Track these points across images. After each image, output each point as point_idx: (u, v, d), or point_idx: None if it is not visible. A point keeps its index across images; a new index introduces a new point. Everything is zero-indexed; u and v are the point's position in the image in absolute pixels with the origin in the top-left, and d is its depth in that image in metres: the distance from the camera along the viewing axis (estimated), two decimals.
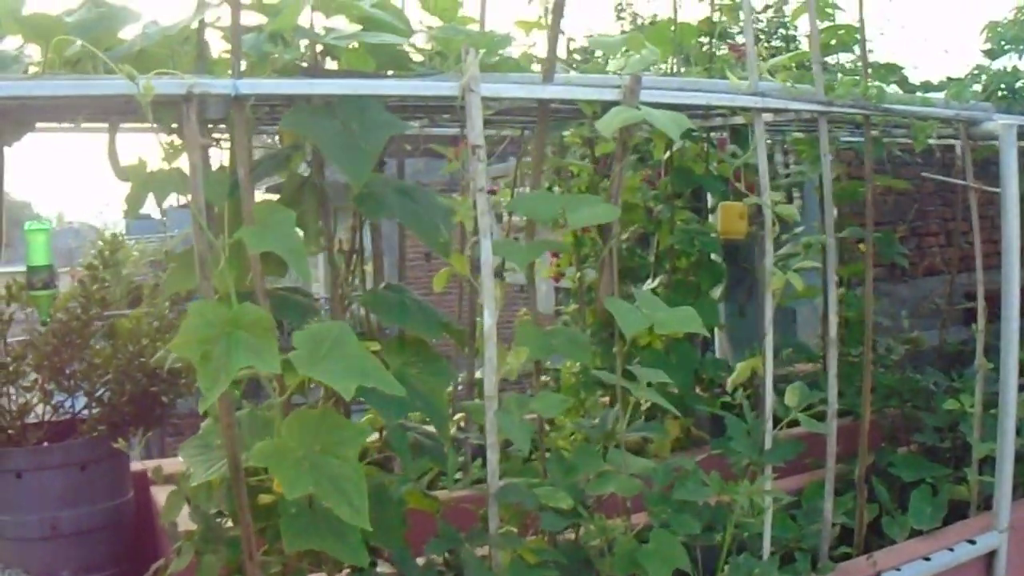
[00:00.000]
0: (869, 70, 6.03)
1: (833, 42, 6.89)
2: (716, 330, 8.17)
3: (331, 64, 4.25)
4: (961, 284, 8.92)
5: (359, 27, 4.09)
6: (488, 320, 4.21)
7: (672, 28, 6.67)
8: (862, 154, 6.29)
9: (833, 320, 5.63)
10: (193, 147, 3.61)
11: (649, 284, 7.10)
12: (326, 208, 4.34)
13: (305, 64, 4.06)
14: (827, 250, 5.65)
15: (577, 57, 8.34)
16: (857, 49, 6.35)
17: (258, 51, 3.83)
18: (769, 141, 7.21)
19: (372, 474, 4.25)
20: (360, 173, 3.78)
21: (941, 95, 6.19)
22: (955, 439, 6.65)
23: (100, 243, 7.07)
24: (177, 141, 3.93)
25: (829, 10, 6.78)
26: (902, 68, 6.57)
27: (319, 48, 4.14)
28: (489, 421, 4.20)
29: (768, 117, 5.66)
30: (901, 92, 6.25)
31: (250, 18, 3.87)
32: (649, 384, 4.70)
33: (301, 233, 4.02)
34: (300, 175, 4.38)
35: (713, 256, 7.17)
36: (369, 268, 5.04)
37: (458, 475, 6.11)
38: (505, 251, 4.63)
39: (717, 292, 7.11)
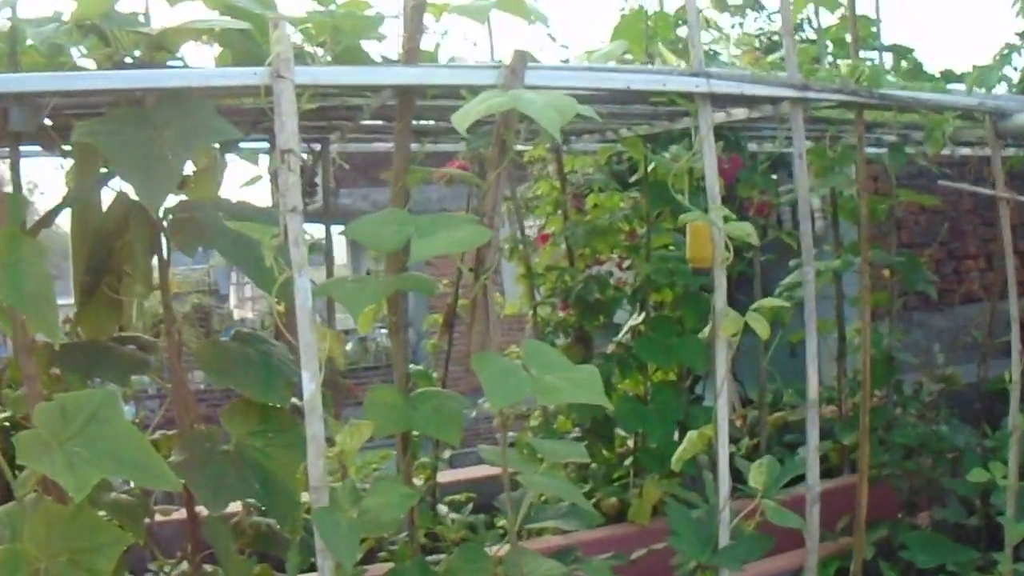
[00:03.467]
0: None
1: (848, 37, 5.21)
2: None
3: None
4: (1004, 312, 7.33)
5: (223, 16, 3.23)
6: (309, 385, 3.00)
7: (646, 19, 4.92)
8: (887, 166, 5.12)
9: (812, 373, 4.00)
10: None
11: (632, 321, 5.66)
12: (155, 237, 3.45)
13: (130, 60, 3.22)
14: (805, 279, 4.15)
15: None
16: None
17: (49, 44, 3.02)
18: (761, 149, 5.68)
19: None
20: (156, 192, 2.94)
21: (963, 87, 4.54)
22: (987, 514, 4.96)
23: None
24: None
25: None
26: (911, 51, 4.84)
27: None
28: (315, 518, 2.99)
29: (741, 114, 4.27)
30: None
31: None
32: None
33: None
34: (127, 197, 3.44)
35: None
36: None
37: None
38: (332, 292, 3.41)
39: (706, 330, 5.40)
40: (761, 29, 6.79)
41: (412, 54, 3.33)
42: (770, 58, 4.92)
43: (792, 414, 6.53)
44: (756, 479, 3.78)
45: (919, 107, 4.20)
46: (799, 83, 3.76)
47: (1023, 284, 8.61)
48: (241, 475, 3.34)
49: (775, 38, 6.17)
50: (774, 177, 6.00)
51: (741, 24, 6.76)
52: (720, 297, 3.75)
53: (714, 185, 3.65)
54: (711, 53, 4.99)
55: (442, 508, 5.22)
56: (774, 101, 3.92)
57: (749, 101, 4.02)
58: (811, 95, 3.82)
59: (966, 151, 5.95)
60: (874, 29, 5.21)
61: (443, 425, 3.29)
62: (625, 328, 5.63)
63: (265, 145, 4.15)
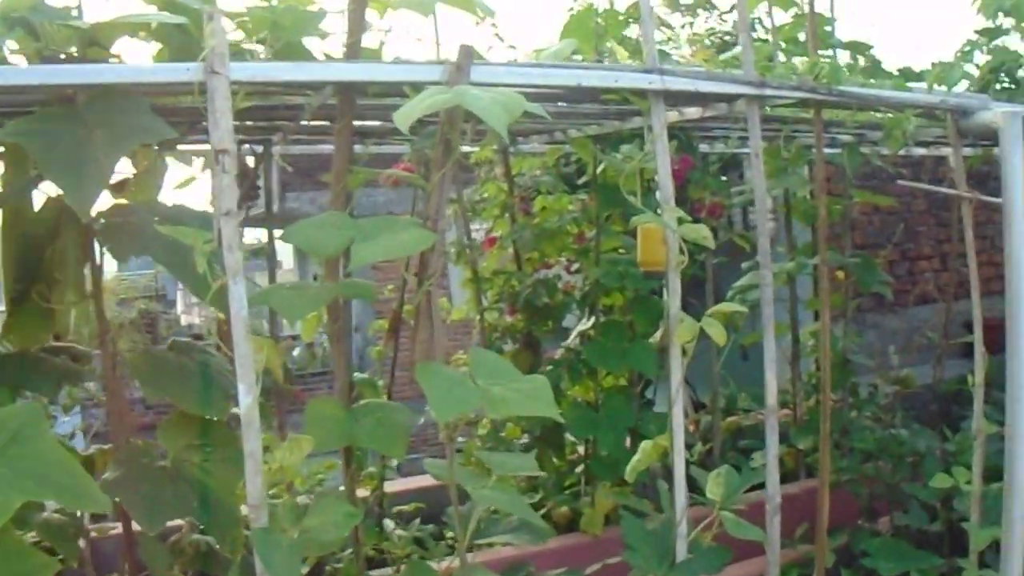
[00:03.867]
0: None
1: (802, 36, 5.11)
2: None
3: None
4: (959, 313, 7.28)
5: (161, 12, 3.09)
6: (245, 398, 2.78)
7: (596, 17, 4.77)
8: (841, 167, 5.02)
9: (771, 378, 3.88)
10: None
11: (581, 326, 5.55)
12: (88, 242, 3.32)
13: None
14: (763, 281, 4.02)
15: None
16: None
17: None
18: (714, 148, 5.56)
19: None
20: (86, 195, 2.72)
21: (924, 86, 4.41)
22: (949, 520, 4.81)
23: None
24: None
25: None
26: (870, 47, 4.72)
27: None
28: (254, 539, 2.79)
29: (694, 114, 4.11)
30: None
31: None
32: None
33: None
34: (58, 201, 3.29)
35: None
36: None
37: None
38: (269, 300, 3.13)
39: (657, 334, 5.27)
40: (712, 29, 6.68)
41: (354, 50, 3.18)
42: (722, 57, 4.78)
43: (746, 419, 6.43)
44: (714, 490, 3.65)
45: (880, 105, 4.07)
46: (756, 80, 3.61)
47: (982, 283, 8.59)
48: (178, 492, 3.20)
49: (727, 38, 6.07)
50: (724, 179, 5.89)
51: (691, 24, 6.66)
52: (674, 302, 3.62)
53: (668, 185, 3.51)
54: (663, 53, 4.85)
55: (389, 523, 5.05)
56: (730, 98, 3.78)
57: (704, 99, 3.87)
58: (768, 92, 3.67)
59: (921, 151, 5.84)
60: (828, 28, 5.09)
61: (387, 439, 3.11)
62: (574, 333, 5.50)
63: (206, 147, 3.98)
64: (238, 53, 3.12)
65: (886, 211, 7.58)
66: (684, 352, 3.60)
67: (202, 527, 3.52)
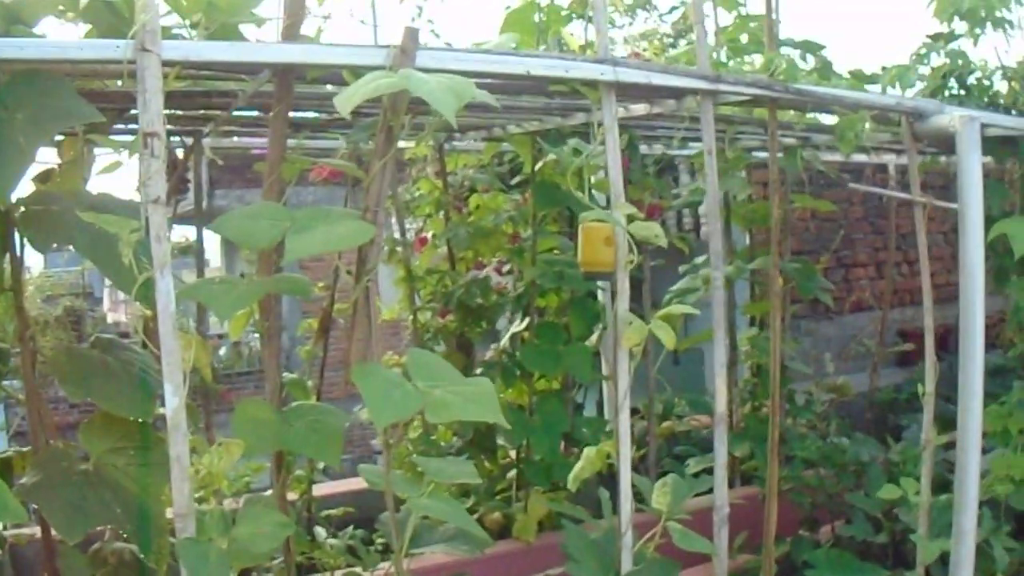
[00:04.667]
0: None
1: (745, 38, 5.03)
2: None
3: None
4: (894, 321, 7.22)
5: None
6: (172, 399, 2.65)
7: (538, 12, 4.65)
8: (782, 172, 4.88)
9: (720, 384, 3.73)
10: None
11: (515, 327, 5.38)
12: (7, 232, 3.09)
13: None
14: (714, 284, 3.90)
15: None
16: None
17: None
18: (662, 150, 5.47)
19: None
20: (5, 180, 2.59)
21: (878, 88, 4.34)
22: (895, 530, 4.67)
23: None
24: None
25: None
26: (822, 47, 4.62)
27: None
28: (180, 549, 2.67)
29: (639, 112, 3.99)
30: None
31: None
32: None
33: None
34: None
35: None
36: None
37: None
38: (198, 294, 3.02)
39: (594, 337, 5.14)
40: (652, 30, 6.60)
41: (291, 33, 3.03)
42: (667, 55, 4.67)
43: (679, 424, 6.32)
44: (660, 499, 3.53)
45: (836, 104, 3.97)
46: (711, 75, 3.49)
47: (908, 292, 8.54)
48: (100, 497, 3.01)
49: (665, 39, 5.98)
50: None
51: (631, 23, 6.57)
52: (622, 303, 3.49)
53: (619, 182, 3.38)
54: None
55: (320, 530, 4.88)
56: (681, 94, 3.65)
57: (655, 93, 3.74)
58: (723, 87, 3.54)
59: (862, 157, 5.77)
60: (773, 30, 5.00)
61: (321, 444, 2.95)
62: (507, 335, 5.35)
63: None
64: (171, 37, 2.96)
65: (822, 217, 7.53)
66: (631, 356, 3.44)
67: (125, 535, 3.31)
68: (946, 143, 3.94)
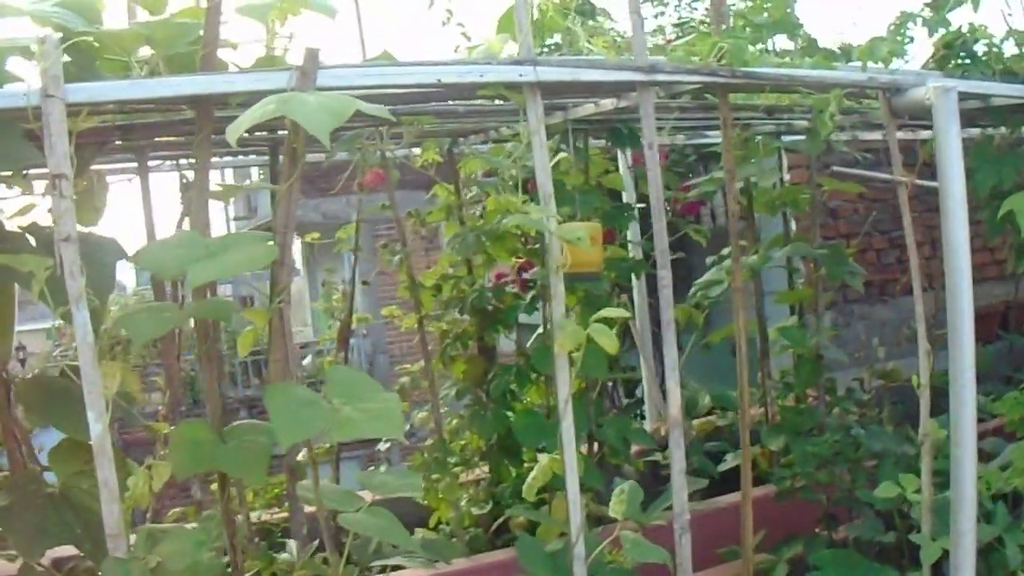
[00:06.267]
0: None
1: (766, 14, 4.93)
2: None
3: None
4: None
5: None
6: (95, 426, 2.76)
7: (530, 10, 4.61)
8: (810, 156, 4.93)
9: (674, 387, 3.65)
10: None
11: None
12: None
13: None
14: (660, 283, 3.80)
15: None
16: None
17: None
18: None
19: None
20: None
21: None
22: (906, 529, 4.43)
23: None
24: None
25: None
26: (800, 25, 4.49)
27: None
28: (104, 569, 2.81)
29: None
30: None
31: None
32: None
33: None
34: None
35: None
36: None
37: None
38: (122, 324, 3.04)
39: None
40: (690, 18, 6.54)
41: (208, 61, 3.06)
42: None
43: (723, 418, 6.23)
44: (616, 507, 3.49)
45: (797, 85, 3.89)
46: (646, 65, 3.39)
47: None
48: (62, 519, 3.16)
49: (703, 26, 5.89)
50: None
51: (663, 13, 6.51)
52: (558, 307, 3.51)
53: (547, 184, 3.33)
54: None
55: (291, 544, 4.88)
56: (619, 88, 3.60)
57: (590, 89, 3.68)
58: (661, 78, 3.44)
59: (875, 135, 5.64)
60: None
61: (247, 463, 3.01)
62: (533, 337, 5.32)
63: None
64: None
65: (871, 198, 7.34)
66: (572, 362, 3.40)
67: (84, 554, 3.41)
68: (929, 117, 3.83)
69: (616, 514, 3.51)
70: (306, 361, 6.55)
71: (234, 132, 2.66)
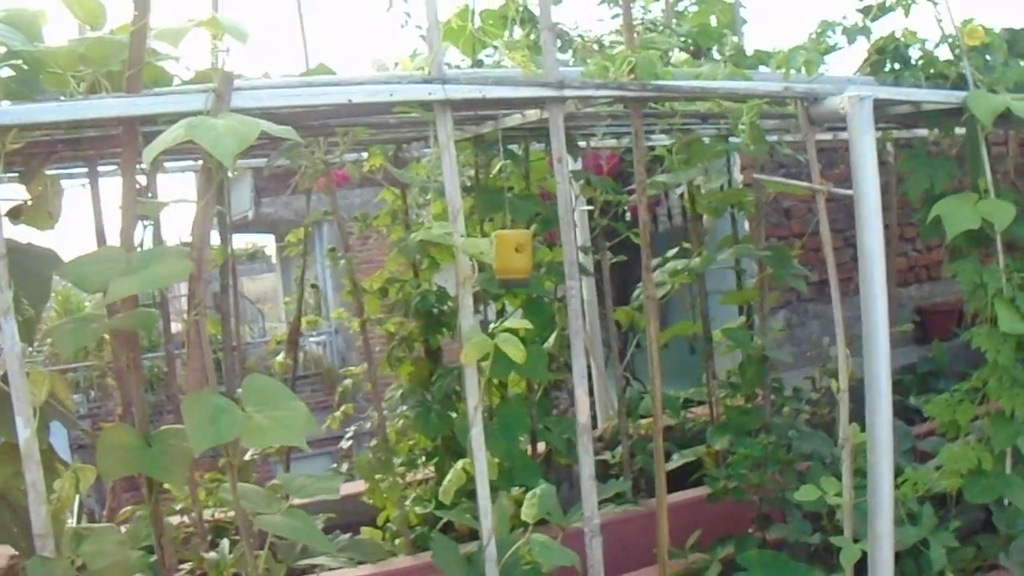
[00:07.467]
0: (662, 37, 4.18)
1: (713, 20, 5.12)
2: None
3: None
4: (910, 298, 7.21)
5: None
6: (23, 431, 2.96)
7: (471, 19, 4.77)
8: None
9: (581, 394, 3.75)
10: None
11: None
12: None
13: None
14: (568, 294, 3.90)
15: None
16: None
17: None
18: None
19: None
20: None
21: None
22: (834, 530, 4.57)
23: None
24: None
25: None
26: (724, 34, 4.65)
27: None
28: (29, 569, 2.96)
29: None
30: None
31: None
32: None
33: None
34: None
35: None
36: None
37: None
38: (50, 335, 3.42)
39: (551, 339, 5.25)
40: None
41: (134, 82, 3.16)
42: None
43: (674, 417, 6.36)
44: (528, 511, 3.63)
45: (708, 96, 4.03)
46: (555, 81, 3.53)
47: (925, 268, 8.45)
48: (1, 519, 3.30)
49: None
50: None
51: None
52: (466, 319, 3.63)
53: (455, 197, 3.48)
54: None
55: (226, 543, 5.04)
56: (527, 104, 3.76)
57: (502, 105, 3.84)
58: (569, 93, 3.58)
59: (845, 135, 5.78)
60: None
61: (167, 467, 3.18)
62: None
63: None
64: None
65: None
66: (481, 372, 3.55)
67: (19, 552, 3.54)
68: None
69: (527, 517, 3.62)
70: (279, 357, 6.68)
71: (150, 154, 2.81)
